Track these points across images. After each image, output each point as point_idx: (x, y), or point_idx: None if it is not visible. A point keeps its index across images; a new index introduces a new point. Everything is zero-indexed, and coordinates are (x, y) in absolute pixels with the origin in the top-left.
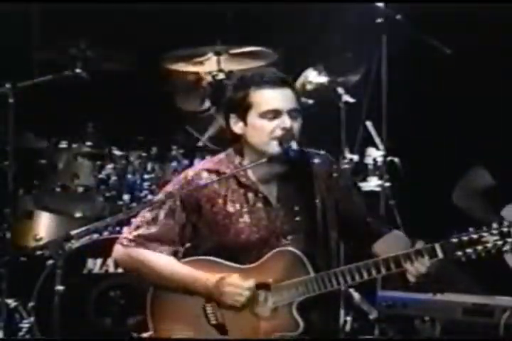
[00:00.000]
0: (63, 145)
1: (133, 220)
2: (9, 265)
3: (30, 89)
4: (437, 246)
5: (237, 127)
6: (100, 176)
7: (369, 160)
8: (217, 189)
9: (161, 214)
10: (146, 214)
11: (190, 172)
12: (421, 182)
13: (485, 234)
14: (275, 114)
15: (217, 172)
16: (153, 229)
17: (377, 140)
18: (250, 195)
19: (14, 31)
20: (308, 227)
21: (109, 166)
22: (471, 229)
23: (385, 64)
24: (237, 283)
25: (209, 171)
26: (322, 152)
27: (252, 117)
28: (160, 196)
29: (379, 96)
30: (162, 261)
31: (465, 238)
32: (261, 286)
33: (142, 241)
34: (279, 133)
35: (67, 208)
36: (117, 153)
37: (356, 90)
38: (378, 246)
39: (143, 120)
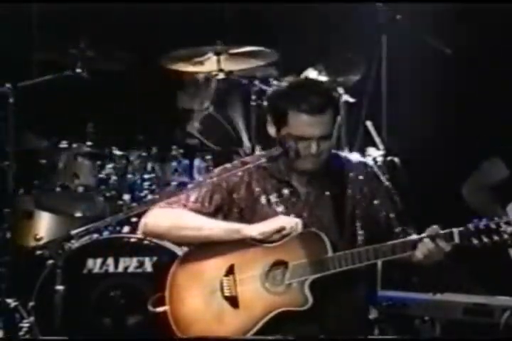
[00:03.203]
0: (63, 145)
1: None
2: (9, 265)
3: (30, 89)
4: (455, 232)
5: (271, 130)
6: (100, 176)
7: (369, 160)
8: (252, 180)
9: (201, 193)
10: (184, 194)
11: (243, 165)
12: (421, 182)
13: (503, 224)
14: (305, 139)
15: (264, 169)
16: (190, 204)
17: (377, 140)
18: (281, 186)
19: (14, 31)
20: (334, 222)
21: (109, 166)
22: (485, 219)
23: (385, 64)
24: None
25: (263, 168)
26: (357, 156)
27: (284, 132)
28: (205, 177)
29: (379, 96)
30: (199, 216)
31: (483, 226)
32: (279, 263)
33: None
34: (303, 153)
35: (67, 208)
36: (117, 153)
37: (356, 90)
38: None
39: (143, 120)
